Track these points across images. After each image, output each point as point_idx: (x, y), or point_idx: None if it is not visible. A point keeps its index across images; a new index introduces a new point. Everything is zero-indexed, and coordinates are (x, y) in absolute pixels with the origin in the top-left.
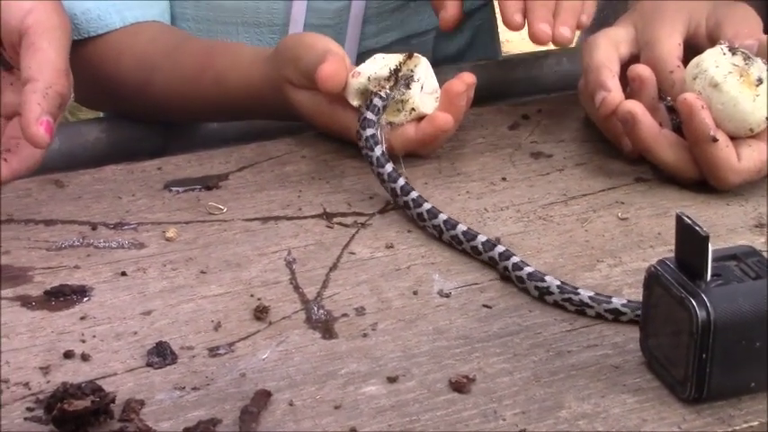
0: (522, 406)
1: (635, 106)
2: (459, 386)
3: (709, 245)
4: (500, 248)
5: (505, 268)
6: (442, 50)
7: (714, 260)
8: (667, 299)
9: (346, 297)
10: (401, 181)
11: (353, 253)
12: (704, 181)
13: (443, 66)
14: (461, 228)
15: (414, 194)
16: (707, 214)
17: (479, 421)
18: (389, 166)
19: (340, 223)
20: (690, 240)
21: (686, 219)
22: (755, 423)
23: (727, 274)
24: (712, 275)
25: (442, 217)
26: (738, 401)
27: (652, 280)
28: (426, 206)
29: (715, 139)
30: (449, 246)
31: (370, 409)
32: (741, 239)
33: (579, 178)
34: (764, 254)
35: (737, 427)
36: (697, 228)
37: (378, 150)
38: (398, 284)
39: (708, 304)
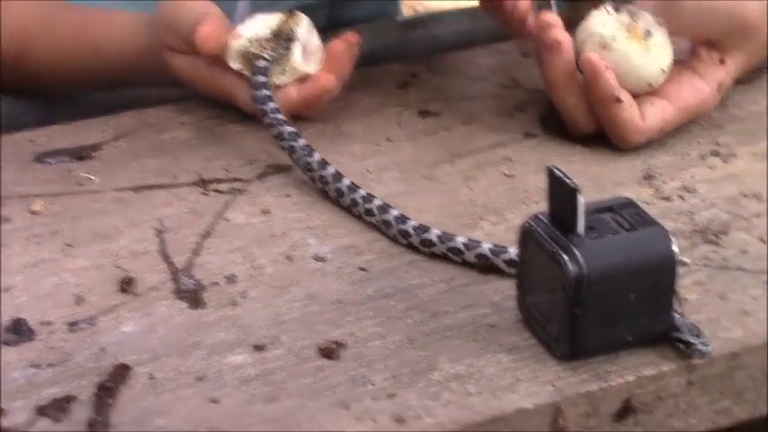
0: (393, 370)
1: (565, 36)
2: (329, 352)
3: (580, 197)
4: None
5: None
6: (344, 15)
7: (589, 213)
8: (541, 254)
9: (217, 265)
10: (301, 141)
11: (228, 220)
12: (598, 135)
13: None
14: (346, 182)
15: (317, 156)
16: (594, 168)
17: (347, 387)
18: (288, 126)
19: (216, 190)
20: (561, 194)
21: (557, 171)
22: (632, 378)
23: (603, 227)
24: (587, 229)
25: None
26: (615, 356)
27: (526, 236)
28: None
29: (619, 100)
30: (336, 204)
31: (234, 379)
32: (628, 192)
33: (466, 136)
34: (641, 205)
35: (613, 383)
36: (567, 180)
37: (272, 105)
38: (273, 250)
39: (579, 259)
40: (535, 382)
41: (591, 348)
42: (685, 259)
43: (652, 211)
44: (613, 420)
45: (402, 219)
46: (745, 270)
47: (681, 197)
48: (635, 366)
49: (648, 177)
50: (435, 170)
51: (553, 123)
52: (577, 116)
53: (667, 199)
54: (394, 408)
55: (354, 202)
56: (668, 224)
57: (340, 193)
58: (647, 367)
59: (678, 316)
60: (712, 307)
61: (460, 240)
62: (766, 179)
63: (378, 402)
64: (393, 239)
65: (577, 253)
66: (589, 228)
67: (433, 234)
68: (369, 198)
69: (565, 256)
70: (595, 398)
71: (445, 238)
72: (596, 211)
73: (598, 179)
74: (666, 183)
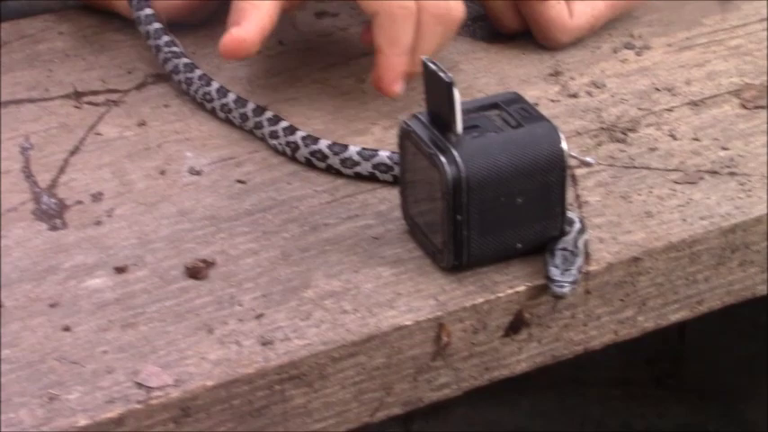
0: (264, 289)
1: None
2: (196, 272)
3: (456, 92)
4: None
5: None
6: None
7: (472, 110)
8: (420, 157)
9: (84, 182)
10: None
11: (100, 134)
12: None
13: None
14: (231, 96)
15: (185, 60)
16: (501, 66)
17: (213, 309)
18: (164, 35)
19: (90, 102)
20: (437, 89)
21: (431, 65)
22: (522, 288)
23: (486, 125)
24: (468, 127)
25: (215, 85)
26: (505, 266)
27: (404, 137)
28: (198, 72)
29: None
30: (212, 116)
31: (91, 305)
32: (534, 90)
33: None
34: (548, 102)
35: (501, 294)
36: (441, 74)
37: (148, 11)
38: (145, 165)
39: (457, 159)
40: (417, 297)
41: (477, 258)
42: (589, 159)
43: (558, 109)
44: (504, 335)
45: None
46: (651, 168)
47: (589, 93)
48: (527, 276)
49: (556, 74)
50: (327, 73)
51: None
52: (503, 14)
53: (575, 96)
54: (261, 329)
55: (228, 109)
56: (575, 122)
57: (227, 108)
58: (539, 276)
59: (560, 243)
60: (614, 209)
61: (324, 143)
62: (681, 71)
63: (244, 324)
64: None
65: (455, 153)
66: (471, 126)
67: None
68: (242, 103)
69: (442, 158)
70: (482, 311)
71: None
72: (481, 108)
73: (503, 77)
74: (575, 78)
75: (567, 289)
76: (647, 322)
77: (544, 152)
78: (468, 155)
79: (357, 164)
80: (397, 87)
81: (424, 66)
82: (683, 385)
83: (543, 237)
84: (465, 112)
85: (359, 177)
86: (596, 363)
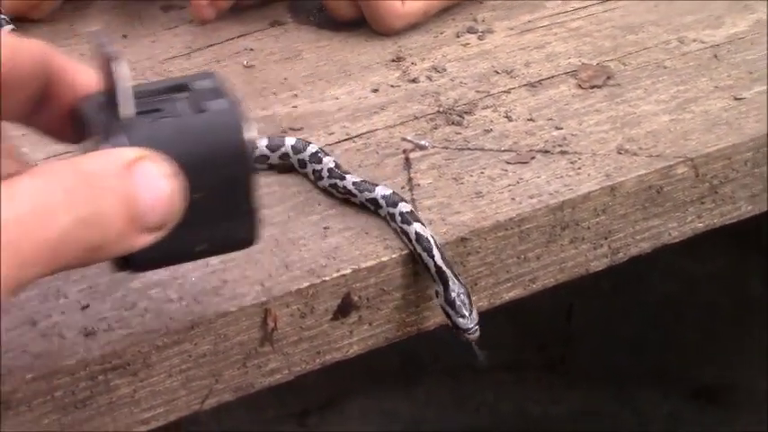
0: (91, 280)
1: None
2: None
3: (122, 68)
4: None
5: None
6: None
7: (160, 91)
8: (92, 143)
9: None
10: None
11: None
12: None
13: None
14: None
15: None
16: (343, 53)
17: (38, 302)
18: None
19: None
20: (107, 66)
21: (100, 39)
22: (348, 271)
23: (169, 110)
24: (148, 111)
25: None
26: (334, 249)
27: (75, 120)
28: None
29: None
30: None
31: None
32: (374, 76)
33: (208, 29)
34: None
35: (327, 278)
36: (107, 49)
37: None
38: None
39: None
40: (243, 284)
41: (145, 260)
42: (424, 142)
43: (398, 94)
44: (333, 318)
45: None
46: (485, 150)
47: (429, 78)
48: (353, 259)
49: (398, 59)
50: (170, 65)
51: (305, 11)
52: (338, 3)
53: (414, 81)
54: (85, 321)
55: None
56: (413, 107)
57: None
58: (366, 259)
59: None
60: (445, 191)
61: None
62: (521, 53)
63: (68, 316)
64: None
65: (121, 139)
66: (152, 110)
67: None
68: None
69: (104, 145)
70: (308, 295)
71: None
72: (169, 89)
73: (344, 64)
74: (416, 64)
75: (478, 333)
76: (480, 302)
77: (223, 142)
78: (135, 142)
79: None
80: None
81: (95, 41)
82: (574, 369)
83: (231, 239)
84: (148, 93)
85: None
86: (488, 348)
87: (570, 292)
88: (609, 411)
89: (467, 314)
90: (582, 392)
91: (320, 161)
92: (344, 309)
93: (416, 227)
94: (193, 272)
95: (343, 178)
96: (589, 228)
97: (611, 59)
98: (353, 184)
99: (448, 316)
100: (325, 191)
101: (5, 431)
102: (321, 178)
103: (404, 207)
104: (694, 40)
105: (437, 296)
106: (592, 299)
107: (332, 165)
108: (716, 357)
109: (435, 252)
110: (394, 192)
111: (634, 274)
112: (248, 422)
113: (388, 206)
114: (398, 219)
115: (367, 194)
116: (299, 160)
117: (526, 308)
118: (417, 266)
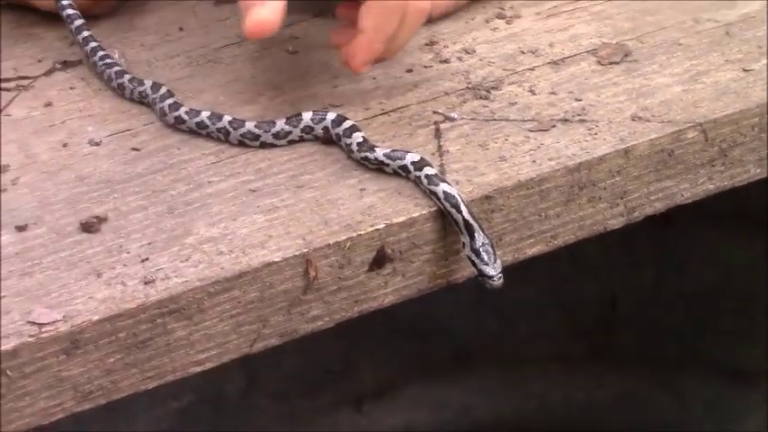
0: (150, 238)
1: None
2: (89, 226)
3: None
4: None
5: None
6: None
7: None
8: None
9: None
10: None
11: (9, 115)
12: None
13: None
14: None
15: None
16: None
17: (103, 257)
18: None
19: (3, 88)
20: None
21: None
22: (382, 225)
23: None
24: None
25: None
26: (369, 207)
27: None
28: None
29: None
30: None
31: None
32: (409, 58)
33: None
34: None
35: (363, 231)
36: None
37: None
38: (49, 139)
39: None
40: (286, 238)
41: None
42: (453, 114)
43: (430, 74)
44: (369, 270)
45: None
46: (509, 120)
47: (459, 59)
48: (387, 215)
49: (431, 43)
50: (221, 53)
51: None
52: None
53: (446, 61)
54: (144, 272)
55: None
56: (444, 84)
57: (121, 87)
58: (398, 215)
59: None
60: (472, 156)
61: (205, 114)
62: (546, 35)
63: (129, 268)
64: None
65: None
66: None
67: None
68: (140, 82)
69: None
70: (345, 248)
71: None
72: None
73: None
74: (448, 47)
75: (502, 280)
76: (505, 256)
77: None
78: None
79: (229, 133)
80: (367, 68)
81: None
82: (619, 356)
83: None
84: None
85: (241, 144)
86: (535, 337)
87: (615, 282)
88: (652, 396)
89: (491, 262)
90: (626, 378)
91: (350, 136)
92: (379, 261)
93: (444, 186)
94: (242, 229)
95: (373, 150)
96: (605, 188)
97: (630, 38)
98: (384, 154)
99: (474, 264)
100: (358, 162)
101: (76, 370)
102: (352, 152)
103: (429, 170)
104: (708, 20)
105: (464, 247)
106: (635, 289)
107: (360, 139)
108: (755, 343)
109: (462, 207)
110: (422, 158)
111: (675, 264)
112: (306, 410)
113: (415, 170)
114: (425, 181)
115: (399, 162)
116: (335, 134)
117: (573, 299)
118: (446, 222)
